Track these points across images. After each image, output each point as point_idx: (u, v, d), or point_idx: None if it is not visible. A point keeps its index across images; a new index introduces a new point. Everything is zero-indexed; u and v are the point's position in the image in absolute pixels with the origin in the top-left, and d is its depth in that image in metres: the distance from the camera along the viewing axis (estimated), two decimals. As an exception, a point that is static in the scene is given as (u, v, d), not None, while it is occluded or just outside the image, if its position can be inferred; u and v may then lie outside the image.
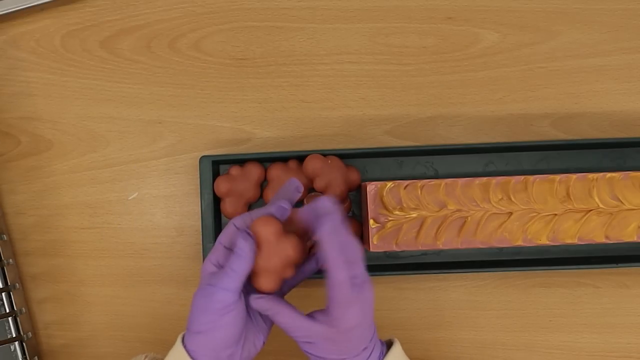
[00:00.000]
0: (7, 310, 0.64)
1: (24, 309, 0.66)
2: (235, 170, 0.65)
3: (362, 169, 0.66)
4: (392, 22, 0.67)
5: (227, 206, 0.64)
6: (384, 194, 0.59)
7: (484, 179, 0.60)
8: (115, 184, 0.68)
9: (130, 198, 0.68)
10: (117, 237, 0.67)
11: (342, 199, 0.63)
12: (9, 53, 0.68)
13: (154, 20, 0.67)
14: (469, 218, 0.59)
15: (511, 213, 0.59)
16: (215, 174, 0.65)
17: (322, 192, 0.63)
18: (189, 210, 0.67)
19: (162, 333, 0.67)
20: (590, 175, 0.60)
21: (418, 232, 0.59)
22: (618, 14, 0.67)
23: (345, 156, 0.65)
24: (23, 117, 0.68)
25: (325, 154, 0.64)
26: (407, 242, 0.59)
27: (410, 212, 0.59)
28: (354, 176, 0.64)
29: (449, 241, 0.59)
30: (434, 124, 0.67)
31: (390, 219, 0.59)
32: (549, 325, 0.66)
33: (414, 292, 0.67)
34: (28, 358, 0.65)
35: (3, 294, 0.64)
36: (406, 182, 0.60)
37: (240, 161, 0.65)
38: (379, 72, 0.67)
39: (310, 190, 0.65)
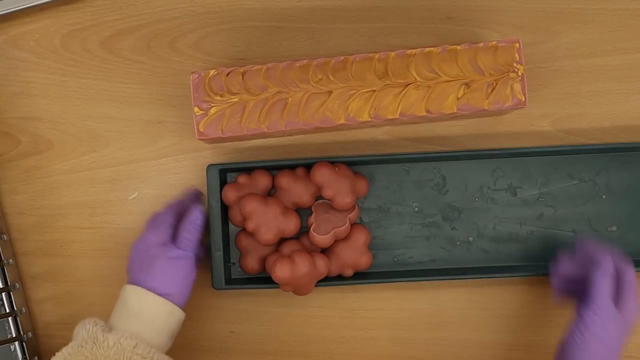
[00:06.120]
0: (7, 310, 0.64)
1: (24, 309, 0.66)
2: (242, 178, 0.64)
3: (369, 176, 0.66)
4: (392, 22, 0.67)
5: (235, 214, 0.64)
6: (207, 81, 0.59)
7: (305, 60, 0.59)
8: (115, 184, 0.68)
9: (130, 198, 0.68)
10: (117, 237, 0.67)
11: (350, 208, 0.63)
12: (9, 53, 0.68)
13: (154, 20, 0.67)
14: (290, 99, 0.59)
15: (331, 92, 0.59)
16: (222, 182, 0.65)
17: (330, 200, 0.63)
18: (189, 210, 0.67)
19: (162, 333, 0.67)
20: (409, 51, 0.59)
21: (241, 116, 0.59)
22: (618, 14, 0.67)
23: (353, 163, 0.65)
24: (23, 117, 0.68)
25: (332, 161, 0.63)
26: (232, 128, 0.59)
27: (231, 97, 0.59)
28: (362, 184, 0.64)
29: (273, 124, 0.59)
30: (434, 124, 0.67)
31: (212, 105, 0.59)
32: (549, 325, 0.66)
33: (414, 292, 0.67)
34: (28, 358, 0.65)
35: (3, 294, 0.64)
36: (229, 69, 0.59)
37: (248, 169, 0.65)
38: (379, 72, 0.67)
39: (319, 198, 0.65)
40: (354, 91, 0.59)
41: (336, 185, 0.62)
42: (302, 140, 0.67)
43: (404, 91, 0.59)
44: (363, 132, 0.67)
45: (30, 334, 0.66)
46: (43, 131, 0.68)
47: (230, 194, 0.63)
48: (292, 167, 0.65)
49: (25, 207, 0.68)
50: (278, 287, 0.62)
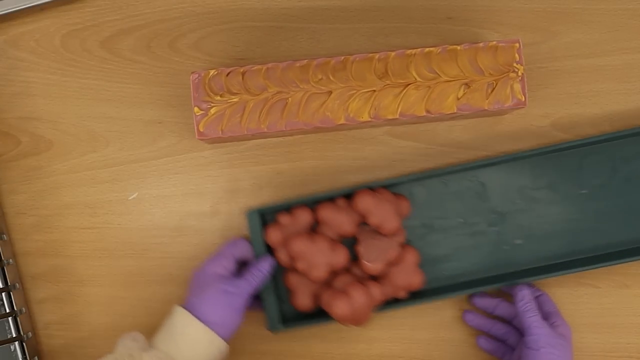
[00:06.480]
0: (7, 310, 0.64)
1: (24, 309, 0.66)
2: (283, 217, 0.63)
3: (408, 194, 0.65)
4: (392, 22, 0.67)
5: (282, 256, 0.63)
6: (207, 81, 0.59)
7: (305, 61, 0.59)
8: (115, 184, 0.68)
9: (130, 198, 0.68)
10: (117, 237, 0.67)
11: (397, 231, 0.62)
12: (9, 53, 0.68)
13: (154, 20, 0.67)
14: (290, 99, 0.59)
15: (331, 92, 0.59)
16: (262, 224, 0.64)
17: (376, 227, 0.62)
18: (189, 210, 0.67)
19: (162, 333, 0.67)
20: (409, 51, 0.59)
21: (241, 116, 0.59)
22: (618, 14, 0.67)
23: (391, 185, 0.64)
24: (23, 117, 0.68)
25: (371, 187, 0.63)
26: (232, 128, 0.59)
27: (231, 97, 0.59)
28: (404, 204, 0.64)
29: (273, 124, 0.59)
30: (435, 124, 0.67)
31: (212, 105, 0.59)
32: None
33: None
34: (28, 358, 0.65)
35: (3, 294, 0.64)
36: (229, 70, 0.59)
37: (286, 207, 0.64)
38: (379, 72, 0.67)
39: (363, 224, 0.63)
40: (354, 91, 0.59)
41: (381, 212, 0.61)
42: (302, 140, 0.67)
43: (404, 91, 0.59)
44: (363, 132, 0.67)
45: (30, 334, 0.66)
46: (43, 131, 0.68)
47: (274, 236, 0.62)
48: (331, 199, 0.63)
49: (25, 207, 0.68)
50: (335, 321, 0.61)
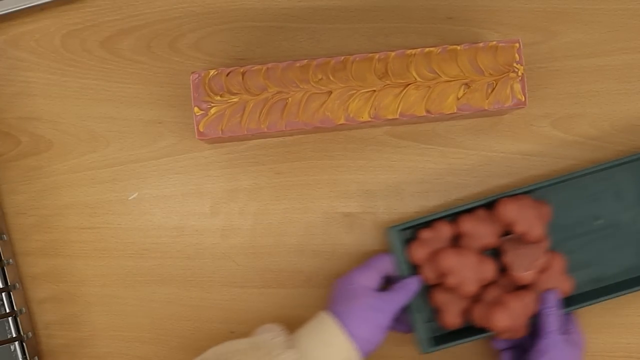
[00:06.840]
0: (7, 310, 0.64)
1: (24, 309, 0.66)
2: (425, 233, 0.62)
3: (542, 198, 0.64)
4: (392, 22, 0.67)
5: (428, 273, 0.62)
6: (207, 81, 0.59)
7: (305, 61, 0.59)
8: (115, 184, 0.68)
9: (130, 198, 0.68)
10: (117, 237, 0.67)
11: (542, 238, 0.61)
12: (9, 53, 0.68)
13: (154, 20, 0.67)
14: (290, 99, 0.59)
15: (331, 92, 0.59)
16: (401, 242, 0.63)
17: (522, 235, 0.61)
18: (189, 210, 0.67)
19: (162, 333, 0.67)
20: (409, 51, 0.59)
21: (241, 116, 0.59)
22: (618, 14, 0.67)
23: (528, 192, 0.63)
24: (23, 117, 0.68)
25: (510, 194, 0.62)
26: (232, 128, 0.59)
27: (231, 97, 0.59)
28: (545, 210, 0.62)
29: (273, 124, 0.59)
30: (434, 124, 0.67)
31: (212, 105, 0.59)
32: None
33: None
34: (28, 358, 0.65)
35: (3, 294, 0.64)
36: (229, 70, 0.59)
37: (424, 223, 0.63)
38: (379, 72, 0.67)
39: (506, 234, 0.63)
40: (354, 91, 0.59)
41: (526, 220, 0.60)
42: (302, 140, 0.67)
43: (404, 91, 0.59)
44: (363, 132, 0.67)
45: (30, 334, 0.66)
46: (43, 131, 0.68)
47: (419, 253, 0.62)
48: (468, 211, 0.63)
49: (25, 207, 0.68)
50: (483, 338, 0.61)
